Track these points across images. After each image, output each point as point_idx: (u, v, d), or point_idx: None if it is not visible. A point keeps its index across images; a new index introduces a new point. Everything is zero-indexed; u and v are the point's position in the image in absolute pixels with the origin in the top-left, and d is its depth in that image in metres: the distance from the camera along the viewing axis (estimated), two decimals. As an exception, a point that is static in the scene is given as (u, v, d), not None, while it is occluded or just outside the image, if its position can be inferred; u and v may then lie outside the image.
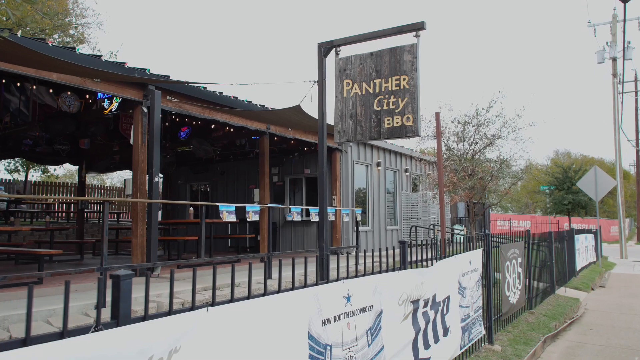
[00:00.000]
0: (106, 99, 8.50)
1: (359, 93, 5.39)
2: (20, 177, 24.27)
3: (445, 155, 10.05)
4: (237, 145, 15.13)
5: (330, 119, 5.78)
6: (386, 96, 5.20)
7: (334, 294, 2.85)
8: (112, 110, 8.25)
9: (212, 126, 12.41)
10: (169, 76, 8.03)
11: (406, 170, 16.23)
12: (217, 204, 6.99)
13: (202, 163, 15.60)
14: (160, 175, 17.87)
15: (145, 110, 7.82)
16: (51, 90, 9.32)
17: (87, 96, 9.11)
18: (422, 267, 4.23)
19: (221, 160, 15.37)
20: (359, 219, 10.49)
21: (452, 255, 4.82)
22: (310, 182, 14.04)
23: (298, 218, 8.71)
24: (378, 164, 14.72)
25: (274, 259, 10.76)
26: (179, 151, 15.06)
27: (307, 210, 10.65)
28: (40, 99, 12.84)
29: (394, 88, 5.16)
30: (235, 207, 7.09)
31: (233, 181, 15.57)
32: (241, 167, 15.27)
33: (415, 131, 5.01)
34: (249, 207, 7.35)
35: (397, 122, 5.11)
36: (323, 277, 5.13)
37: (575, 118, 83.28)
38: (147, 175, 7.77)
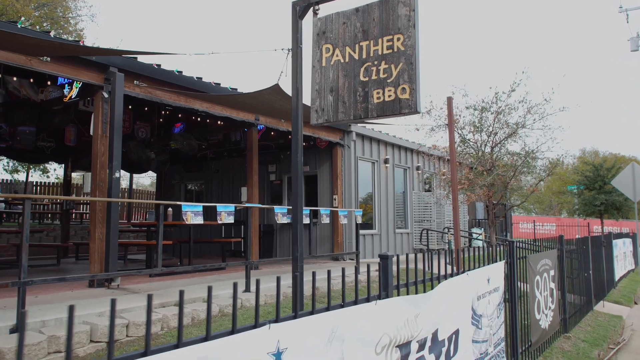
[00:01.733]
0: (66, 85, 7.50)
1: (342, 60, 4.25)
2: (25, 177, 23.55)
3: (459, 149, 8.82)
4: (231, 142, 14.10)
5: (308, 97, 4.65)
6: (375, 62, 4.06)
7: (252, 352, 1.71)
8: (72, 97, 7.24)
9: (204, 120, 11.40)
10: (135, 58, 7.02)
11: (418, 168, 14.98)
12: (180, 203, 5.93)
13: (196, 161, 14.62)
14: (153, 174, 16.99)
15: (106, 95, 6.80)
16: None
17: (49, 82, 8.12)
18: (423, 289, 3.08)
19: (215, 158, 14.36)
20: (359, 221, 9.32)
21: (466, 270, 3.65)
22: (310, 180, 12.91)
23: (284, 220, 7.60)
24: (386, 161, 13.51)
25: (263, 266, 9.65)
26: (172, 148, 14.09)
27: (313, 211, 9.53)
28: (22, 93, 11.98)
29: (385, 51, 4.01)
30: (203, 207, 6.01)
31: (228, 179, 14.53)
32: (236, 164, 14.22)
33: (413, 106, 3.85)
34: (220, 207, 6.25)
35: (390, 96, 3.96)
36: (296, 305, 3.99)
37: (603, 112, 77.13)
38: (108, 171, 6.72)
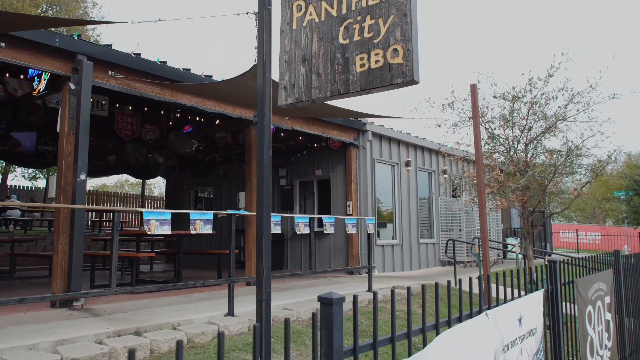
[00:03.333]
0: (36, 77, 6.75)
1: (316, 20, 3.24)
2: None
3: (487, 147, 7.63)
4: (240, 144, 13.25)
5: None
6: (358, 18, 3.03)
7: None
8: (41, 90, 6.47)
9: (209, 120, 10.57)
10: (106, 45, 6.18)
11: (444, 172, 13.73)
12: (143, 209, 5.01)
13: (204, 165, 13.83)
14: (163, 179, 16.32)
15: (73, 87, 5.98)
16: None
17: (22, 76, 7.39)
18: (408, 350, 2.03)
19: (224, 162, 13.53)
20: (371, 230, 8.22)
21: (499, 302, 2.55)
22: (323, 185, 11.89)
23: (277, 230, 6.61)
24: (407, 164, 12.35)
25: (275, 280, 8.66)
26: (181, 153, 13.34)
27: (321, 219, 8.52)
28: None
29: (370, 2, 2.97)
30: (171, 214, 5.07)
31: (237, 185, 13.66)
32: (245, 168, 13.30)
33: (408, 73, 2.79)
34: (194, 215, 5.29)
35: (377, 61, 2.92)
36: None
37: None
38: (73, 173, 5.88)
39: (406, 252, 12.10)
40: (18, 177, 22.36)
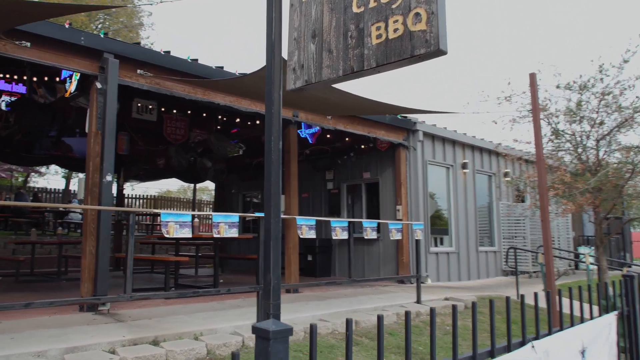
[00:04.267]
0: (68, 79, 6.76)
1: (328, -12, 2.79)
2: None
3: (550, 144, 6.83)
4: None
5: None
6: (374, -20, 2.55)
7: None
8: (72, 91, 6.46)
9: (249, 120, 10.39)
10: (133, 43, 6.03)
11: (506, 175, 12.76)
12: (161, 211, 4.76)
13: (251, 169, 13.69)
14: (212, 183, 16.37)
15: (99, 86, 5.88)
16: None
17: (57, 79, 7.47)
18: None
19: (270, 165, 13.29)
20: (419, 236, 7.60)
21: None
22: (372, 188, 11.36)
23: (312, 234, 6.16)
24: (464, 166, 11.56)
25: (306, 289, 8.26)
26: (229, 157, 13.31)
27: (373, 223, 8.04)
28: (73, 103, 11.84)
29: (387, -41, 2.50)
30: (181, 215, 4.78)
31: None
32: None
33: (433, 42, 2.30)
34: (218, 218, 4.98)
35: (396, 30, 2.44)
36: None
37: None
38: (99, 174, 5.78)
39: (463, 261, 11.30)
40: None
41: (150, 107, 12.74)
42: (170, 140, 13.31)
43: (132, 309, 6.00)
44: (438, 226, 11.16)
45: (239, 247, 14.04)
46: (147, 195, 22.86)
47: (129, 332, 4.68)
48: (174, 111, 13.39)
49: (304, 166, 12.74)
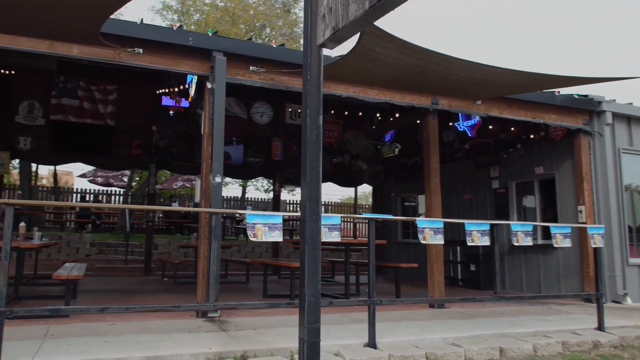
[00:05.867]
0: (189, 83, 7.02)
1: None
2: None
3: None
4: (443, 143, 11.92)
5: None
6: None
7: None
8: (193, 95, 6.69)
9: (392, 113, 9.74)
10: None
11: None
12: (246, 212, 4.42)
13: (407, 169, 12.90)
14: (369, 186, 15.95)
15: (210, 86, 5.93)
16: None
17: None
18: None
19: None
20: (598, 244, 5.93)
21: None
22: (547, 186, 9.60)
23: (485, 241, 5.14)
24: (678, 152, 8.98)
25: (455, 305, 7.18)
26: (385, 158, 12.84)
27: (548, 228, 6.73)
28: (230, 111, 12.83)
29: None
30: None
31: (445, 190, 12.25)
32: (453, 170, 11.88)
33: None
34: (325, 220, 4.45)
35: None
36: None
37: None
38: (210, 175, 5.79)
39: (680, 278, 8.74)
40: (260, 190, 25.54)
41: (299, 110, 12.99)
42: (324, 143, 13.39)
43: (244, 316, 5.86)
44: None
45: (398, 253, 13.39)
46: (263, 199, 23.46)
47: (221, 344, 4.45)
48: (332, 112, 13.44)
49: (463, 164, 11.51)
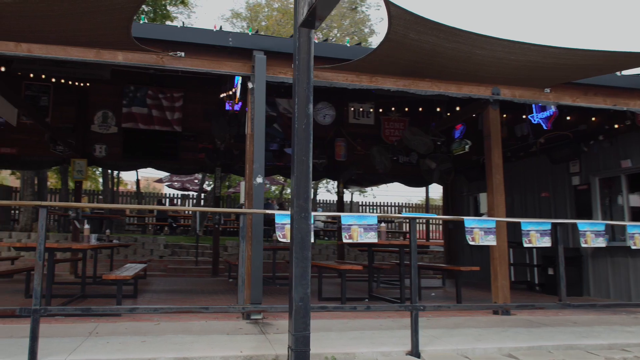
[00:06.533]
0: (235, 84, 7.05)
1: None
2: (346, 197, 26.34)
3: None
4: (517, 137, 11.22)
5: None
6: None
7: None
8: (239, 97, 6.72)
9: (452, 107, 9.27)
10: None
11: None
12: (275, 212, 4.29)
13: (478, 167, 12.21)
14: (439, 185, 15.31)
15: (251, 86, 5.93)
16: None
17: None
18: None
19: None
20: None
21: None
22: (635, 180, 8.64)
23: (546, 242, 4.68)
24: None
25: (524, 312, 6.62)
26: (455, 155, 12.30)
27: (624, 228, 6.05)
28: (291, 113, 12.92)
29: None
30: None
31: (520, 188, 11.50)
32: (528, 167, 11.09)
33: None
34: (348, 219, 4.22)
35: None
36: None
37: None
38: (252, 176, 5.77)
39: None
40: (331, 192, 25.59)
41: (361, 109, 12.80)
42: (389, 142, 13.08)
43: (286, 319, 5.76)
44: None
45: (471, 256, 12.76)
46: (379, 203, 23.21)
47: (254, 347, 4.38)
48: (392, 109, 13.14)
49: (538, 160, 10.73)
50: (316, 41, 6.32)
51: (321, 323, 5.62)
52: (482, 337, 5.12)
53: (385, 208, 22.56)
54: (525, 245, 4.76)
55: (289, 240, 4.27)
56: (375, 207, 21.96)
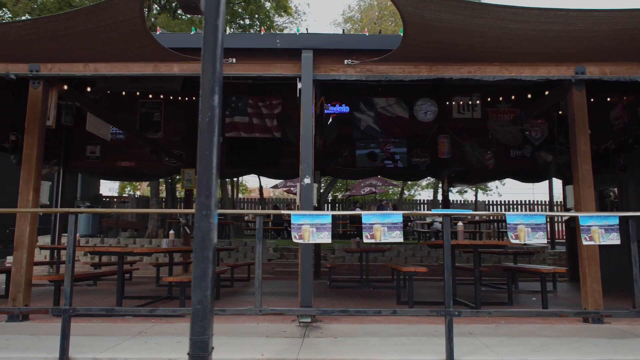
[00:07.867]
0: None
1: None
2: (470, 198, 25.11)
3: None
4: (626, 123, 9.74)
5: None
6: None
7: None
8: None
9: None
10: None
11: None
12: (290, 212, 4.16)
13: (598, 157, 10.76)
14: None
15: (300, 86, 5.95)
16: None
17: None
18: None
19: (620, 150, 10.15)
20: None
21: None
22: None
23: (607, 240, 3.98)
24: None
25: (618, 320, 5.66)
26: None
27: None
28: (391, 112, 12.86)
29: None
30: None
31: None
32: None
33: None
34: (370, 218, 3.97)
35: None
36: None
37: None
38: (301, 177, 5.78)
39: None
40: (453, 193, 24.52)
41: (467, 102, 12.11)
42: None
43: (345, 323, 5.62)
44: None
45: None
46: (493, 202, 21.69)
47: (280, 351, 4.37)
48: (500, 99, 12.29)
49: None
50: (366, 34, 6.13)
51: (371, 328, 5.40)
52: (545, 348, 4.48)
53: (507, 207, 21.05)
54: (584, 243, 4.05)
55: (304, 241, 4.20)
56: (497, 206, 20.55)
